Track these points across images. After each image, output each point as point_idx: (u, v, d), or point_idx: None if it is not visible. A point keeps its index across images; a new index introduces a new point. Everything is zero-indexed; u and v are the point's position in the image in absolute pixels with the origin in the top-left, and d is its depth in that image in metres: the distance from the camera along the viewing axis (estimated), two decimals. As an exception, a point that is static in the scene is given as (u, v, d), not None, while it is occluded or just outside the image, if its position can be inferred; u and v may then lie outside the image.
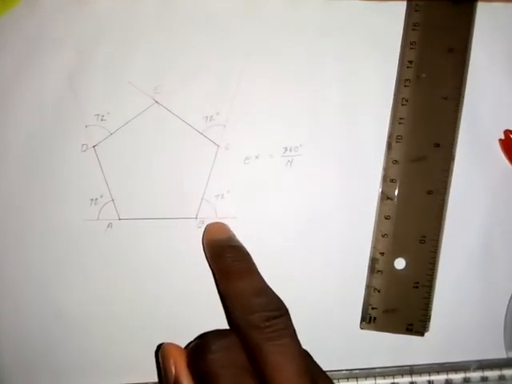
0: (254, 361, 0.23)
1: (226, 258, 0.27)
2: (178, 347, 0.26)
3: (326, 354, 0.32)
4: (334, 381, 0.32)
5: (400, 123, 0.33)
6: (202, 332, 0.28)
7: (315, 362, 0.27)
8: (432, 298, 0.32)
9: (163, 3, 0.32)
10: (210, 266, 0.30)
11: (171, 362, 0.25)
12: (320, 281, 0.33)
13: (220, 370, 0.23)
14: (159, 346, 0.27)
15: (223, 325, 0.29)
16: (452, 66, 0.33)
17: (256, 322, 0.24)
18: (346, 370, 0.32)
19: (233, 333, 0.25)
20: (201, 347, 0.24)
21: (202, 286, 0.31)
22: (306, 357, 0.25)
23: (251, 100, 0.32)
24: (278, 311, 0.25)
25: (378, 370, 0.33)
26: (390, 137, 0.33)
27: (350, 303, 0.33)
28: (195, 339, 0.26)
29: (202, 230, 0.32)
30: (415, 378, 0.33)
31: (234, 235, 0.30)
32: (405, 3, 0.33)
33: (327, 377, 0.26)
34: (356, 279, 0.33)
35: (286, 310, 0.25)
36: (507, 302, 0.33)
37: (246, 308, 0.25)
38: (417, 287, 0.32)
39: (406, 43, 0.33)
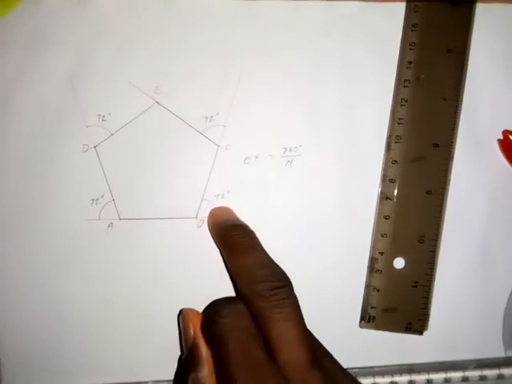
0: (259, 327, 0.25)
1: (232, 236, 0.29)
2: (197, 312, 0.28)
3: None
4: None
5: (399, 123, 0.33)
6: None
7: (319, 342, 0.28)
8: (431, 298, 0.33)
9: (163, 3, 0.32)
10: (217, 245, 0.31)
11: (190, 326, 0.27)
12: (320, 280, 0.33)
13: (229, 333, 0.25)
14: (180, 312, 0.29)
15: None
16: (451, 66, 0.33)
17: (261, 292, 0.25)
18: (346, 368, 0.32)
19: (241, 301, 0.26)
20: (212, 312, 0.26)
21: (202, 286, 0.32)
22: (308, 330, 0.26)
23: (251, 100, 0.32)
24: (282, 282, 0.26)
25: (377, 368, 0.33)
26: (389, 137, 0.33)
27: (349, 302, 0.33)
28: (208, 305, 0.27)
29: (202, 229, 0.32)
30: (414, 377, 0.33)
31: (237, 217, 0.31)
32: (404, 4, 0.33)
33: (331, 355, 0.27)
34: (355, 279, 0.33)
35: (289, 282, 0.27)
36: (506, 302, 0.33)
37: (251, 279, 0.26)
38: (416, 286, 0.33)
39: (406, 44, 0.33)
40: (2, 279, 0.32)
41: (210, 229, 0.32)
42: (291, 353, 0.24)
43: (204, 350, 0.26)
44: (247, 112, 0.32)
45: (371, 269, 0.33)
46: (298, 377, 0.24)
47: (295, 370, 0.24)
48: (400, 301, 0.33)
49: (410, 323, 0.33)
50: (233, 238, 0.28)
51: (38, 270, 0.32)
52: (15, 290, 0.32)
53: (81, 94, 0.31)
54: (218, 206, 0.32)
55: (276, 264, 0.27)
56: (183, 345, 0.27)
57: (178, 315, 0.30)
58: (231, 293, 0.31)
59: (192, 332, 0.26)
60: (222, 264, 0.31)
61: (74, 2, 0.31)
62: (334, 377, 0.26)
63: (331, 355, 0.27)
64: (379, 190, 0.33)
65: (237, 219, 0.31)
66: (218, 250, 0.32)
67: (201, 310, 0.31)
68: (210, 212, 0.32)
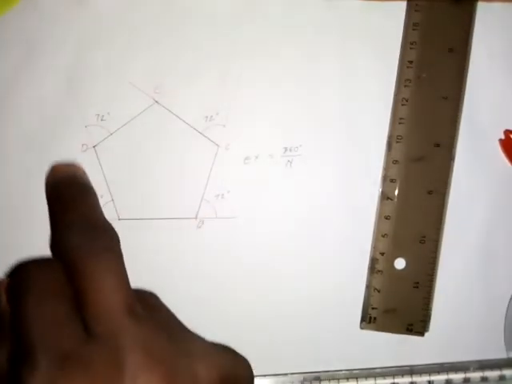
0: (72, 281, 0.21)
1: (62, 192, 0.25)
2: (3, 279, 0.23)
3: (326, 353, 0.32)
4: (334, 381, 0.32)
5: (400, 123, 0.33)
6: (201, 332, 0.27)
7: (155, 297, 0.24)
8: (432, 298, 0.32)
9: (163, 3, 0.32)
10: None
11: None
12: (320, 281, 0.33)
13: (28, 288, 0.21)
14: None
15: (224, 324, 0.29)
16: (452, 65, 0.33)
17: (78, 243, 0.22)
18: (346, 369, 0.32)
19: (51, 258, 0.23)
20: (12, 268, 0.22)
21: (202, 286, 0.32)
22: (130, 284, 0.22)
23: (251, 100, 0.32)
24: (102, 234, 0.23)
25: (378, 370, 0.33)
26: (390, 137, 0.33)
27: (350, 303, 0.33)
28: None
29: (202, 230, 0.32)
30: (415, 378, 0.33)
31: (80, 174, 0.26)
32: (405, 3, 0.33)
33: (167, 309, 0.23)
34: (356, 279, 0.33)
35: (113, 237, 0.23)
36: (507, 302, 0.33)
37: (70, 232, 0.22)
38: (417, 287, 0.32)
39: (406, 43, 0.33)
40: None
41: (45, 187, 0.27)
42: (101, 303, 0.21)
43: (5, 318, 0.21)
44: (247, 112, 0.32)
45: (372, 269, 0.33)
46: (106, 327, 0.20)
47: (103, 320, 0.20)
48: (401, 302, 0.32)
49: (411, 324, 0.32)
50: (61, 194, 0.25)
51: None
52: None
53: (80, 94, 0.31)
54: (217, 205, 0.32)
55: (104, 220, 0.24)
56: None
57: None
58: (231, 293, 0.31)
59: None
60: (222, 264, 0.31)
61: (73, 1, 0.32)
62: (158, 326, 0.22)
63: (168, 309, 0.23)
64: (380, 190, 0.33)
65: (74, 175, 0.26)
66: (217, 251, 0.32)
67: (200, 309, 0.31)
68: (50, 168, 0.27)
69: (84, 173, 0.26)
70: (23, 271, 0.22)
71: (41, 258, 0.23)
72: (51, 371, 0.19)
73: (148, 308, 0.22)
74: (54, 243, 0.23)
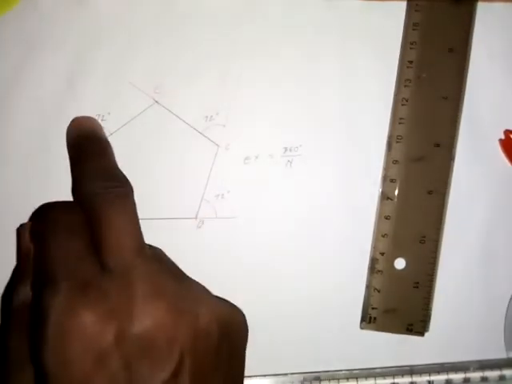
0: (91, 223, 0.24)
1: (82, 143, 0.27)
2: (28, 222, 0.26)
3: (326, 354, 0.32)
4: (334, 381, 0.32)
5: (400, 123, 0.33)
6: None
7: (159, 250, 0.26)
8: (432, 298, 0.32)
9: (163, 3, 0.32)
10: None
11: (22, 233, 0.25)
12: (320, 281, 0.33)
13: (50, 227, 0.24)
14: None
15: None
16: (452, 65, 0.33)
17: (96, 189, 0.24)
18: (346, 370, 0.32)
19: (71, 201, 0.25)
20: (36, 210, 0.25)
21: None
22: (141, 229, 0.25)
23: (251, 100, 0.32)
24: (120, 183, 0.25)
25: (378, 370, 0.33)
26: (390, 137, 0.33)
27: (350, 303, 0.33)
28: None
29: (202, 230, 0.32)
30: (415, 378, 0.33)
31: (98, 129, 0.29)
32: (405, 3, 0.33)
33: (168, 259, 0.26)
34: (356, 279, 0.33)
35: (130, 187, 0.25)
36: (507, 302, 0.33)
37: (89, 180, 0.25)
38: (417, 287, 0.32)
39: (406, 43, 0.33)
40: (2, 279, 0.32)
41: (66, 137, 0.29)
42: (115, 243, 0.23)
43: (29, 254, 0.24)
44: (247, 112, 0.32)
45: (372, 269, 0.33)
46: (118, 264, 0.23)
47: (116, 257, 0.23)
48: (401, 302, 0.32)
49: (411, 324, 0.32)
50: (82, 146, 0.27)
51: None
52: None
53: (80, 94, 0.31)
54: (217, 205, 0.32)
55: (119, 171, 0.26)
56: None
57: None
58: (231, 293, 0.31)
59: (24, 240, 0.25)
60: (222, 264, 0.31)
61: (73, 1, 0.32)
62: (165, 267, 0.24)
63: (172, 261, 0.26)
64: (380, 190, 0.33)
65: (94, 130, 0.29)
66: (217, 251, 0.32)
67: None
68: (72, 120, 0.29)
69: (101, 127, 0.29)
70: (47, 212, 0.24)
71: (62, 201, 0.25)
72: (71, 295, 0.21)
73: (156, 254, 0.25)
74: (76, 189, 0.25)
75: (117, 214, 0.24)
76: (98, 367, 0.21)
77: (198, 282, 0.25)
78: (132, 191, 0.25)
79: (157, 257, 0.25)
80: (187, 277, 0.25)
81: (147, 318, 0.22)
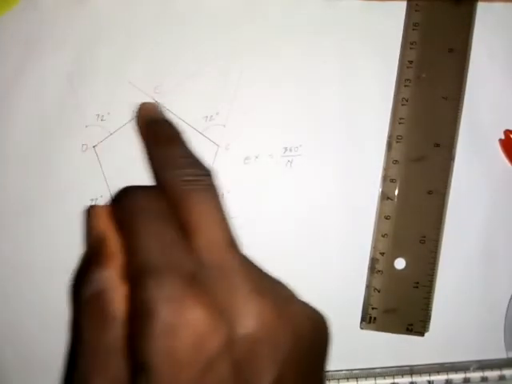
0: (178, 212, 0.23)
1: (158, 128, 0.27)
2: (103, 205, 0.25)
3: (325, 354, 0.32)
4: (334, 381, 0.32)
5: (400, 123, 0.33)
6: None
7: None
8: (432, 298, 0.32)
9: (163, 3, 0.32)
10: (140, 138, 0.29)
11: (97, 218, 0.24)
12: (320, 281, 0.33)
13: (140, 212, 0.23)
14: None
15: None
16: (452, 65, 0.33)
17: (184, 176, 0.23)
18: (346, 369, 0.32)
19: (156, 187, 0.24)
20: (123, 195, 0.24)
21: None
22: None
23: (251, 100, 0.32)
24: (205, 171, 0.24)
25: (378, 370, 0.33)
26: (390, 137, 0.33)
27: (350, 303, 0.33)
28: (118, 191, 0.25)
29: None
30: (415, 378, 0.33)
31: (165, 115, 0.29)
32: (405, 3, 0.33)
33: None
34: (356, 279, 0.33)
35: (214, 176, 0.25)
36: (507, 302, 0.33)
37: (175, 166, 0.24)
38: (417, 287, 0.32)
39: (406, 43, 0.33)
40: (2, 279, 0.32)
41: (136, 121, 0.29)
42: (208, 234, 0.22)
43: (113, 240, 0.23)
44: (247, 112, 0.32)
45: (372, 269, 0.33)
46: (215, 257, 0.22)
47: (212, 251, 0.22)
48: (401, 301, 0.32)
49: (411, 324, 0.32)
50: (159, 129, 0.27)
51: (38, 269, 0.32)
52: (15, 290, 0.32)
53: (80, 94, 0.31)
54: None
55: (200, 158, 0.26)
56: (86, 241, 0.24)
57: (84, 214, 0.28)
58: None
59: (98, 223, 0.23)
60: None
61: (73, 1, 0.32)
62: (248, 261, 0.23)
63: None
64: (380, 189, 0.33)
65: (165, 116, 0.28)
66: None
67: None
68: (139, 105, 0.29)
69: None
70: (134, 198, 0.23)
71: (145, 186, 0.24)
72: (179, 288, 0.20)
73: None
74: (159, 174, 0.24)
75: (210, 205, 0.23)
76: (208, 370, 0.20)
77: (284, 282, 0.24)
78: (216, 181, 0.24)
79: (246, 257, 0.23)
80: (273, 275, 0.24)
81: (251, 317, 0.21)
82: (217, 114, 0.32)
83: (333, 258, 0.33)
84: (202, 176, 0.24)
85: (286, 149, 0.32)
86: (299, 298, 0.23)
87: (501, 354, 0.33)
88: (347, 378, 0.32)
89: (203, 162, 0.25)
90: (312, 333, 0.22)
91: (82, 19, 0.32)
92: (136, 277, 0.21)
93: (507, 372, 0.32)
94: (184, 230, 0.22)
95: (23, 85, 0.31)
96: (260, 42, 0.33)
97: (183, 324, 0.20)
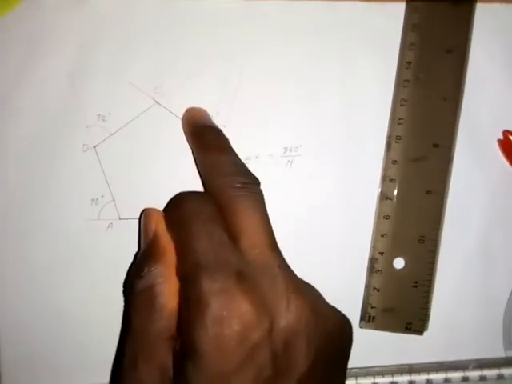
0: (225, 216, 0.25)
1: (209, 135, 0.29)
2: (159, 210, 0.28)
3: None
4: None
5: (399, 124, 0.33)
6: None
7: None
8: (431, 298, 0.33)
9: (163, 3, 0.32)
10: (188, 142, 0.31)
11: (152, 220, 0.26)
12: (319, 280, 0.32)
13: (192, 216, 0.25)
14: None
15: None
16: (451, 66, 0.33)
17: (231, 183, 0.26)
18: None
19: (206, 192, 0.27)
20: (176, 199, 0.27)
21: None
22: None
23: (251, 100, 0.32)
24: (253, 180, 0.27)
25: (377, 368, 0.33)
26: (389, 137, 0.33)
27: (349, 302, 0.33)
28: (172, 197, 0.28)
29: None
30: (414, 377, 0.33)
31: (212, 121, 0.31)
32: (404, 4, 0.33)
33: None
34: (355, 279, 0.33)
35: (259, 184, 0.27)
36: (506, 302, 0.33)
37: (223, 173, 0.27)
38: (416, 286, 0.33)
39: (405, 44, 0.33)
40: (2, 279, 0.32)
41: (184, 125, 0.31)
42: (254, 236, 0.25)
43: (165, 240, 0.25)
44: (247, 112, 0.32)
45: (371, 269, 0.33)
46: (259, 257, 0.24)
47: (257, 252, 0.24)
48: (400, 301, 0.33)
49: (410, 323, 0.33)
50: (209, 137, 0.29)
51: (38, 269, 0.32)
52: (15, 290, 0.32)
53: (81, 94, 0.31)
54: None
55: (245, 164, 0.28)
56: (142, 241, 0.27)
57: (139, 217, 0.29)
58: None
59: (154, 225, 0.26)
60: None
61: (74, 1, 0.31)
62: (286, 263, 0.26)
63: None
64: (379, 189, 0.33)
65: (213, 122, 0.31)
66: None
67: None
68: (187, 110, 0.31)
69: None
70: (188, 203, 0.26)
71: (197, 192, 0.28)
72: (229, 283, 0.23)
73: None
74: (209, 180, 0.27)
75: (257, 210, 0.26)
76: (250, 357, 0.22)
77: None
78: (260, 184, 0.27)
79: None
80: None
81: (290, 312, 0.23)
82: (217, 114, 0.32)
83: (332, 258, 0.33)
84: (250, 184, 0.26)
85: (286, 149, 0.33)
86: (326, 302, 0.26)
87: (499, 352, 0.33)
88: (346, 377, 0.32)
89: (250, 171, 0.28)
90: (339, 333, 0.25)
91: (83, 19, 0.31)
92: (189, 273, 0.24)
93: (506, 371, 0.33)
94: (231, 232, 0.25)
95: (25, 85, 0.31)
96: (260, 42, 0.33)
97: (232, 315, 0.22)
